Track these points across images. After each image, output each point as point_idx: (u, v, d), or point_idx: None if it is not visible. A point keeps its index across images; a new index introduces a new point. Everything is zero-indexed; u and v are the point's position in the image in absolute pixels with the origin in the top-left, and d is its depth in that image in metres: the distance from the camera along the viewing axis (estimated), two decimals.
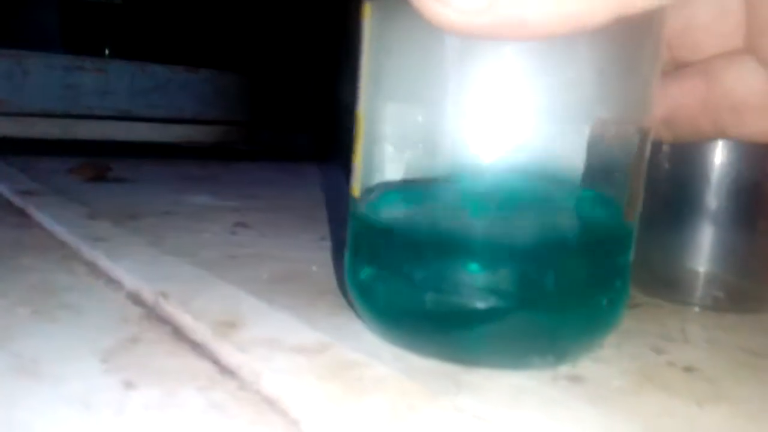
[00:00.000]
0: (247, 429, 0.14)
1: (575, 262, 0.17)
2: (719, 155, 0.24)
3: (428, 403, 0.14)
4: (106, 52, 1.15)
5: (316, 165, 0.71)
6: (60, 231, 0.29)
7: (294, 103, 1.04)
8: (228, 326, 0.18)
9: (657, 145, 0.22)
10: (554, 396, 0.16)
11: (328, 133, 0.91)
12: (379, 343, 0.19)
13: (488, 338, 0.17)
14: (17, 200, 0.36)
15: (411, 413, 0.14)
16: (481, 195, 0.16)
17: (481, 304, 0.16)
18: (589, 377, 0.17)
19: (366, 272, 0.19)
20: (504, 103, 0.16)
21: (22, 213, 0.34)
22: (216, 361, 0.17)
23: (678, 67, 0.20)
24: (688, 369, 0.19)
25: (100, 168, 0.51)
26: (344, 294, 0.22)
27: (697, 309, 0.24)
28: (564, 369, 0.18)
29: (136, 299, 0.21)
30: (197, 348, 0.18)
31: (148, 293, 0.21)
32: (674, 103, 0.19)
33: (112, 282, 0.23)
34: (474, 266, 0.17)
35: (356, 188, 0.19)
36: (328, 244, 0.32)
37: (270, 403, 0.15)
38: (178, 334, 0.19)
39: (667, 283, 0.25)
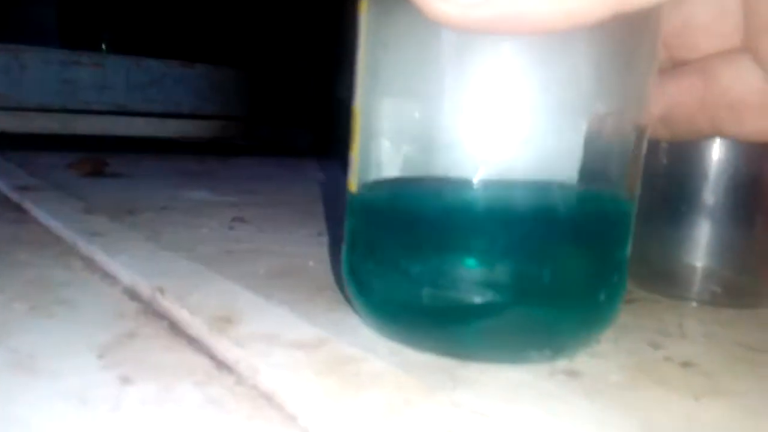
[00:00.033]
0: (245, 424, 0.14)
1: (572, 257, 0.17)
2: (717, 151, 0.24)
3: (425, 397, 0.14)
4: (103, 46, 1.14)
5: (315, 160, 0.71)
6: (57, 226, 0.29)
7: (292, 99, 1.04)
8: (225, 321, 0.18)
9: (655, 141, 0.22)
10: (551, 390, 0.16)
11: (327, 129, 0.90)
12: (376, 338, 0.19)
13: (485, 333, 0.17)
14: (14, 195, 0.36)
15: (408, 408, 0.14)
16: (477, 190, 0.16)
17: (478, 299, 0.16)
18: (587, 372, 0.17)
19: (363, 267, 0.19)
20: (500, 98, 0.16)
21: (19, 208, 0.34)
22: (213, 357, 0.17)
23: (676, 66, 0.20)
24: (686, 364, 0.19)
25: (97, 163, 0.51)
26: (341, 289, 0.22)
27: (694, 304, 0.24)
28: (561, 364, 0.18)
29: (132, 294, 0.21)
30: (194, 343, 0.18)
31: (144, 288, 0.21)
32: (672, 102, 0.19)
33: (109, 277, 0.23)
34: (471, 261, 0.17)
35: (353, 183, 0.19)
36: (325, 240, 0.32)
37: (267, 398, 0.15)
38: (175, 329, 0.19)
39: (664, 278, 0.25)
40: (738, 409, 0.16)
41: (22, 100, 0.94)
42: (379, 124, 0.18)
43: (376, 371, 0.15)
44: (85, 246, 0.26)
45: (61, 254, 0.26)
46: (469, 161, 0.16)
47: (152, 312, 0.20)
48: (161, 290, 0.20)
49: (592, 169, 0.17)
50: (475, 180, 0.16)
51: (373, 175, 0.18)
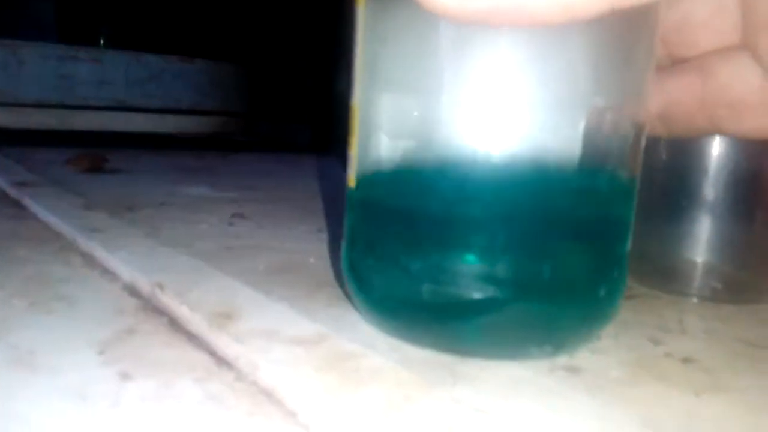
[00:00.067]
0: (244, 420, 0.14)
1: (572, 253, 0.17)
2: (717, 146, 0.24)
3: (425, 393, 0.14)
4: (101, 42, 1.14)
5: (314, 156, 0.71)
6: (56, 222, 0.29)
7: (292, 95, 1.04)
8: (225, 317, 0.18)
9: (654, 136, 0.22)
10: (551, 387, 0.16)
11: (326, 125, 0.90)
12: (376, 334, 0.19)
13: (485, 329, 0.17)
14: (13, 191, 0.36)
15: (407, 404, 0.14)
16: (476, 184, 0.16)
17: (478, 295, 0.16)
18: (587, 368, 0.17)
19: (363, 263, 0.19)
20: (499, 93, 0.16)
21: (18, 204, 0.34)
22: (213, 353, 0.17)
23: (675, 64, 0.20)
24: (686, 360, 0.19)
25: (96, 159, 0.51)
26: (341, 285, 0.22)
27: (694, 300, 0.24)
28: (561, 360, 0.18)
29: (132, 290, 0.21)
30: (194, 339, 0.18)
31: (144, 284, 0.21)
32: (670, 99, 0.19)
33: (109, 273, 0.23)
34: (471, 256, 0.16)
35: (352, 178, 0.19)
36: (325, 236, 0.32)
37: (267, 394, 0.15)
38: (175, 325, 0.18)
39: (664, 274, 0.25)
40: (738, 405, 0.16)
41: (20, 96, 0.94)
42: (378, 120, 0.18)
43: (376, 367, 0.15)
44: (84, 242, 0.26)
45: (60, 250, 0.26)
46: (468, 156, 0.16)
47: (152, 308, 0.20)
48: (161, 286, 0.20)
49: (591, 164, 0.17)
50: (474, 175, 0.16)
51: (372, 171, 0.18)
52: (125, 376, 0.15)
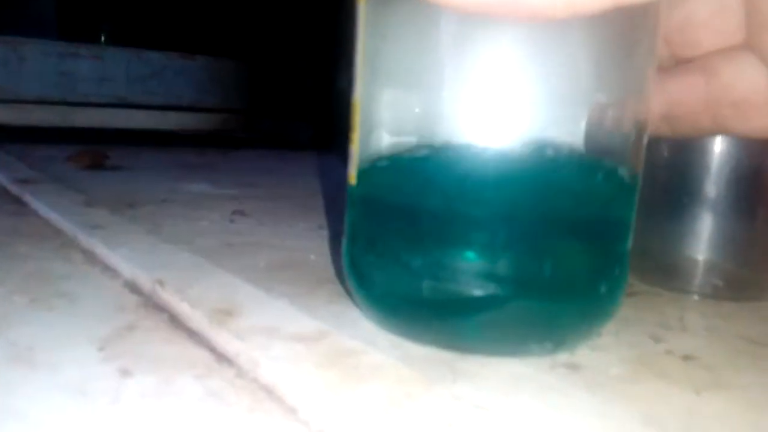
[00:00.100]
0: (245, 417, 0.14)
1: (573, 250, 0.17)
2: (718, 143, 0.24)
3: (425, 390, 0.14)
4: (102, 38, 1.14)
5: (315, 154, 0.71)
6: (57, 219, 0.29)
7: (293, 92, 1.04)
8: (225, 314, 0.18)
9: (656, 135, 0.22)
10: (552, 383, 0.16)
11: (327, 122, 0.90)
12: (377, 331, 0.19)
13: (486, 326, 0.17)
14: (14, 188, 0.36)
15: (408, 401, 0.14)
16: (477, 181, 0.16)
17: (478, 292, 0.16)
18: (587, 365, 0.17)
19: (363, 260, 0.19)
20: (500, 88, 0.16)
21: (18, 201, 0.34)
22: (213, 349, 0.17)
23: (678, 64, 0.20)
24: (687, 357, 0.19)
25: (97, 156, 0.51)
26: (342, 282, 0.22)
27: (695, 297, 0.24)
28: (562, 357, 0.18)
29: (133, 287, 0.21)
30: (194, 336, 0.18)
31: (145, 281, 0.21)
32: (674, 99, 0.19)
33: (109, 270, 0.23)
34: (471, 253, 0.16)
35: (353, 175, 0.19)
36: (326, 233, 0.32)
37: (268, 390, 0.15)
38: (175, 322, 0.18)
39: (665, 271, 0.25)
40: (739, 403, 0.16)
41: (21, 93, 0.94)
42: (379, 116, 0.18)
43: (377, 364, 0.15)
44: (85, 239, 0.26)
45: (61, 247, 0.26)
46: (469, 152, 0.16)
47: (152, 305, 0.20)
48: (161, 283, 0.20)
49: (592, 160, 0.16)
50: (475, 172, 0.16)
51: (373, 167, 0.18)
52: (125, 373, 0.15)
